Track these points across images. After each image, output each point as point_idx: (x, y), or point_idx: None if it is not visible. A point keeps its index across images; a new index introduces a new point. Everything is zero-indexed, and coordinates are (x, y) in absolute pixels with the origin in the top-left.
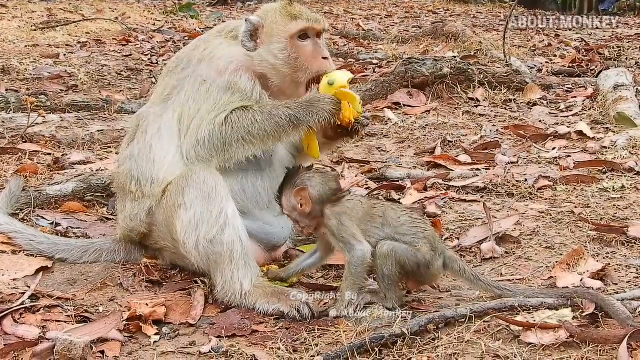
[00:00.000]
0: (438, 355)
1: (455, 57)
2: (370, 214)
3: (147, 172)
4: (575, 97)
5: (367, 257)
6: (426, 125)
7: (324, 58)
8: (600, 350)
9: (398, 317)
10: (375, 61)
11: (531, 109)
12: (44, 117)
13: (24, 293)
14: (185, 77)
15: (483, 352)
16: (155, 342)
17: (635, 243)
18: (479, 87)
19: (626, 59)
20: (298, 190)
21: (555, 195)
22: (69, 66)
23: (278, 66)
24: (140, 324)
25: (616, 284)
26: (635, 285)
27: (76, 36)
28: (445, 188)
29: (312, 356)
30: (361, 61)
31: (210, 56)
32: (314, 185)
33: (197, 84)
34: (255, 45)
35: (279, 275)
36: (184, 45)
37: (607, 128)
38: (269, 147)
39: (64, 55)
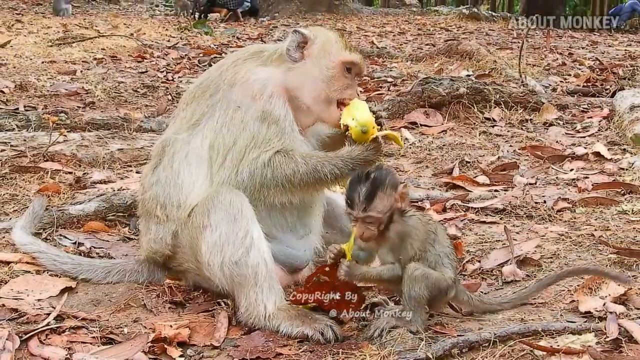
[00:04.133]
0: None
1: (469, 76)
2: (427, 231)
3: (174, 197)
4: (591, 117)
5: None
6: (443, 145)
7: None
8: None
9: (422, 341)
10: (390, 79)
11: (547, 129)
12: (65, 135)
13: (49, 314)
14: (215, 102)
15: None
16: None
17: None
18: (495, 107)
19: None
20: (404, 187)
21: (575, 218)
22: (86, 83)
23: (319, 80)
24: (165, 346)
25: (638, 309)
26: None
27: (92, 52)
28: (464, 209)
29: None
30: (376, 79)
31: (243, 79)
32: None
33: (230, 110)
34: (302, 57)
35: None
36: (199, 62)
37: (624, 149)
38: (307, 196)
39: (81, 71)
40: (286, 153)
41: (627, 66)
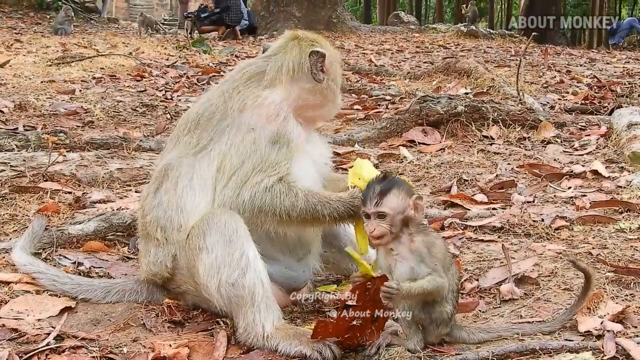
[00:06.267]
0: None
1: (467, 93)
2: (446, 252)
3: (175, 220)
4: (589, 135)
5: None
6: (441, 163)
7: None
8: None
9: (420, 359)
10: (388, 97)
11: (545, 147)
12: (64, 155)
13: (48, 334)
14: (224, 127)
15: None
16: None
17: None
18: (493, 125)
19: (638, 95)
20: (418, 197)
21: (572, 236)
22: (85, 102)
23: (335, 92)
24: None
25: (636, 327)
26: None
27: (91, 71)
28: (462, 228)
29: None
30: (374, 97)
31: (256, 103)
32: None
33: (242, 132)
34: (325, 76)
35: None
36: (198, 81)
37: (622, 167)
38: (303, 231)
39: (80, 90)
40: (288, 184)
41: (625, 84)
